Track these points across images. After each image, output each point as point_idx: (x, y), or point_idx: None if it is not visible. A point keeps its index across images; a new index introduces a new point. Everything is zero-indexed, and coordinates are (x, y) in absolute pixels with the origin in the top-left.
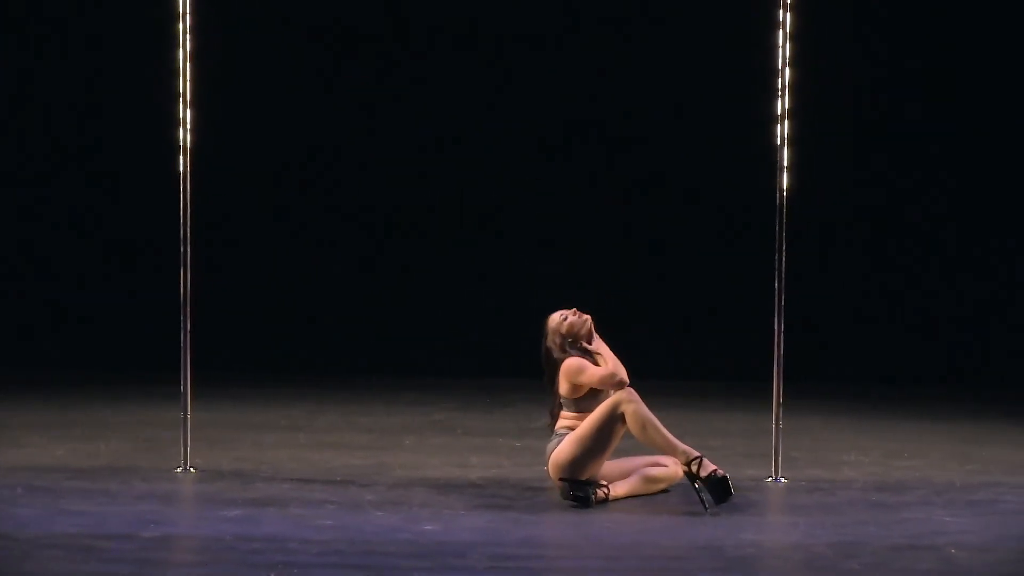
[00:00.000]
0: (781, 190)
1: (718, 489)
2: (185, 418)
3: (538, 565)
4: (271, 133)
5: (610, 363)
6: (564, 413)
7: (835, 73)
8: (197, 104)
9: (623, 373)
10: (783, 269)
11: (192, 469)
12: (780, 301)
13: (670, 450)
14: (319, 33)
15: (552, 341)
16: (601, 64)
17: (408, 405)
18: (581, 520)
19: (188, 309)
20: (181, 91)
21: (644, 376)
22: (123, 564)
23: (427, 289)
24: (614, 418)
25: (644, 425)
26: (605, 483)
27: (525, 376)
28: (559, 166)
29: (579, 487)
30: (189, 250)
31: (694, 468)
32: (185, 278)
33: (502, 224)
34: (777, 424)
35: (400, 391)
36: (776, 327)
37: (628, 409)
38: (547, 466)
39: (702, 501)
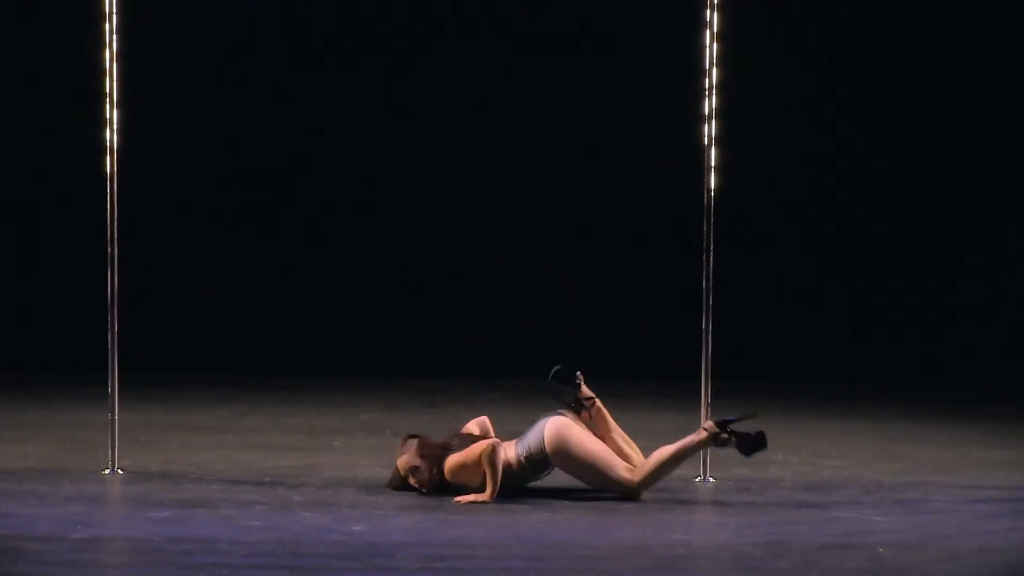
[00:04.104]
0: (708, 190)
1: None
2: (113, 419)
3: (468, 565)
4: (197, 132)
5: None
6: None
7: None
8: (123, 104)
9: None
10: (711, 268)
11: (120, 470)
12: (708, 300)
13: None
14: (248, 30)
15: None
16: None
17: (337, 406)
18: (510, 520)
19: (115, 309)
20: (107, 91)
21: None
22: (52, 566)
23: (354, 289)
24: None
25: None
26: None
27: (453, 376)
28: (491, 164)
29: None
30: (116, 250)
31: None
32: (112, 278)
33: (431, 222)
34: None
35: (329, 392)
36: (704, 326)
37: None
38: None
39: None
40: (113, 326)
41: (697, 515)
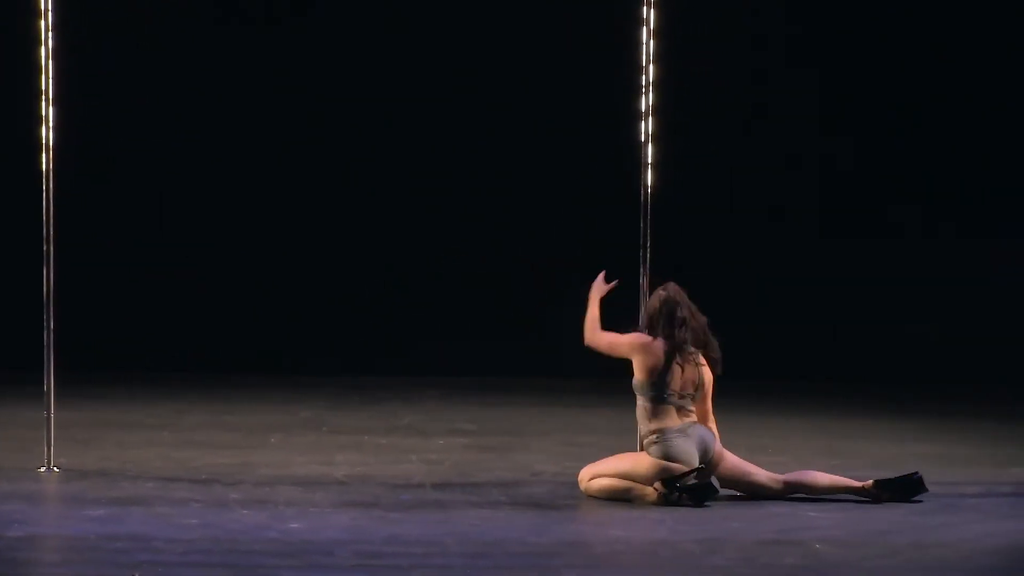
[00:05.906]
0: (645, 186)
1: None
2: (48, 417)
3: (404, 563)
4: (132, 131)
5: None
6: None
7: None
8: (59, 102)
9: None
10: (648, 265)
11: (56, 468)
12: (646, 297)
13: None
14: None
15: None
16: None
17: (275, 403)
18: (447, 517)
19: (51, 307)
20: (43, 89)
21: (520, 374)
22: None
23: (294, 286)
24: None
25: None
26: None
27: (392, 374)
28: (428, 163)
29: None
30: (52, 248)
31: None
32: (48, 276)
33: (371, 219)
34: None
35: (267, 389)
36: (640, 323)
37: None
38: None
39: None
40: (49, 323)
41: (635, 512)
